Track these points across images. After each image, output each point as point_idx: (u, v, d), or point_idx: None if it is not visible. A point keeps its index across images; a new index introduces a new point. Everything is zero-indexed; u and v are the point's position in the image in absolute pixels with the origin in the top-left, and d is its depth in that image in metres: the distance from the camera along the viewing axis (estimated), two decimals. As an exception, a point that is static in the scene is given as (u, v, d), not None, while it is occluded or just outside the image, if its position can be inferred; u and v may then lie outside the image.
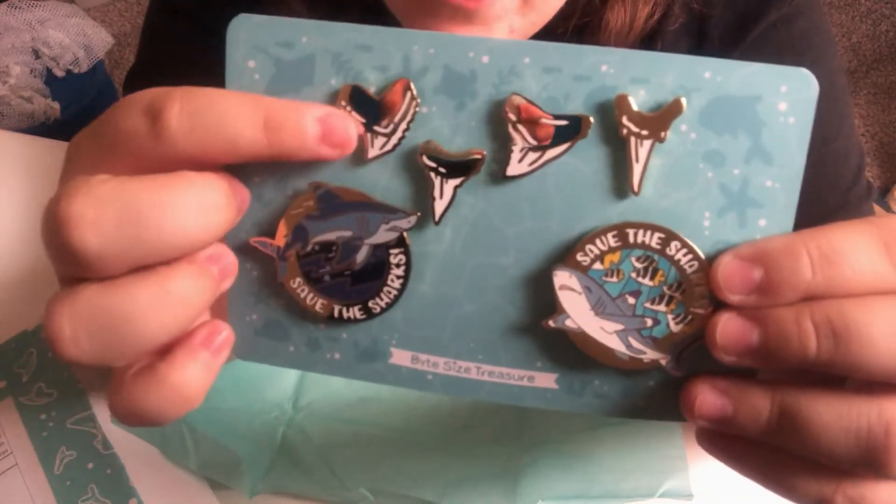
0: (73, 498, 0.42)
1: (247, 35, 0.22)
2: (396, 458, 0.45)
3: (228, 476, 0.43)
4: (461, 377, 0.24)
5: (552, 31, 0.44)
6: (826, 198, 0.45)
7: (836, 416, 0.19)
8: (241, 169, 0.23)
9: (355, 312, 0.24)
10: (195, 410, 0.50)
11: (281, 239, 0.24)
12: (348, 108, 0.22)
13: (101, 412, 0.46)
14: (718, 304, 0.21)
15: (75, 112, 1.29)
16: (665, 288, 0.22)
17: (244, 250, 0.24)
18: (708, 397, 0.21)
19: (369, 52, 0.22)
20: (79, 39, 1.33)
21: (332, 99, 0.22)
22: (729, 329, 0.20)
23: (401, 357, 0.25)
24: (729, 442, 0.22)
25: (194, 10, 0.51)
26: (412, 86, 0.22)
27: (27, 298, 0.54)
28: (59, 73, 1.30)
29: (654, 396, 0.23)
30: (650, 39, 0.43)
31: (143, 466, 0.44)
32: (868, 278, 0.19)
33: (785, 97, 0.21)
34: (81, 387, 0.47)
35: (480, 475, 0.45)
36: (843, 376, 0.20)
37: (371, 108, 0.22)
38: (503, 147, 0.22)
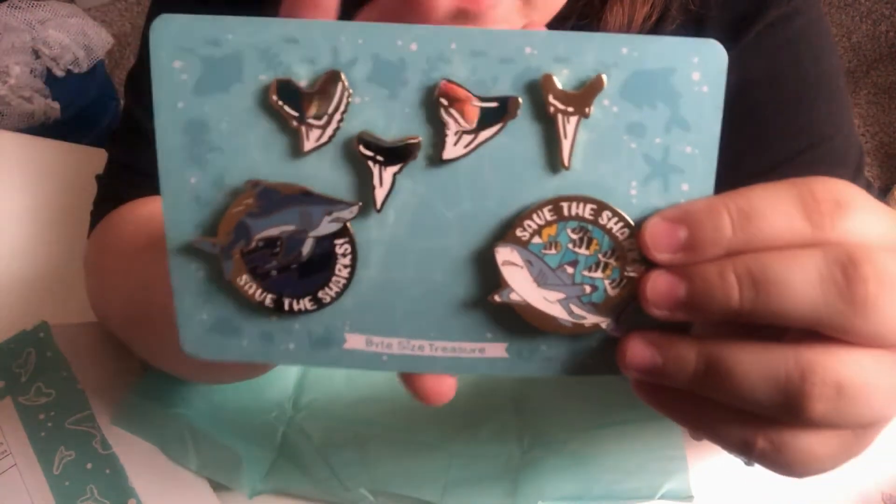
0: (72, 498, 0.42)
1: (171, 35, 0.22)
2: (396, 458, 0.45)
3: (228, 476, 0.43)
4: (415, 355, 0.25)
5: None
6: None
7: (756, 363, 0.20)
8: (178, 169, 0.23)
9: (306, 304, 0.24)
10: (195, 410, 0.50)
11: (224, 237, 0.24)
12: (280, 103, 0.22)
13: (101, 412, 0.46)
14: (651, 266, 0.22)
15: (75, 112, 1.29)
16: (600, 255, 0.23)
17: (188, 252, 0.24)
18: (638, 350, 0.22)
19: (297, 44, 0.22)
20: (79, 39, 1.32)
21: (264, 94, 0.23)
22: (658, 284, 0.21)
23: (355, 341, 0.25)
24: (661, 391, 0.23)
25: (194, 11, 0.51)
26: (343, 76, 0.22)
27: (27, 298, 0.54)
28: (59, 73, 1.30)
29: (597, 354, 0.24)
30: None
31: (142, 466, 0.44)
32: (785, 233, 0.20)
33: (698, 67, 0.22)
34: (80, 387, 0.47)
35: (480, 475, 0.45)
36: (772, 328, 0.21)
37: (303, 100, 0.22)
38: (438, 132, 0.23)
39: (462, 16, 0.31)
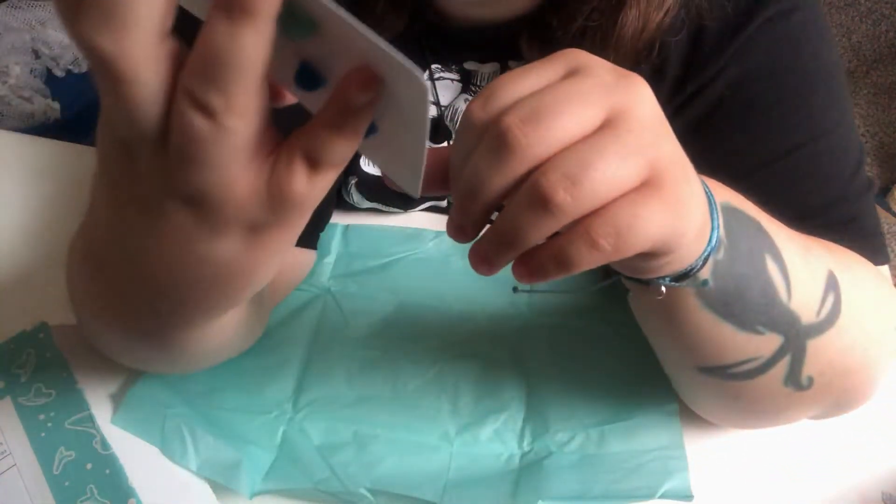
0: (72, 498, 0.42)
1: None
2: (396, 458, 0.45)
3: (228, 476, 0.43)
4: None
5: (553, 35, 0.44)
6: (824, 190, 0.45)
7: (497, 174, 0.25)
8: None
9: None
10: (195, 410, 0.50)
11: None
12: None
13: (100, 412, 0.46)
14: None
15: (75, 112, 1.29)
16: None
17: None
18: (523, 272, 0.27)
19: None
20: (79, 40, 1.32)
21: None
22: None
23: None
24: (529, 263, 0.27)
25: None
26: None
27: (26, 298, 0.54)
28: (59, 73, 1.30)
29: None
30: (649, 44, 0.43)
31: (142, 466, 0.44)
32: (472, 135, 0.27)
33: None
34: (80, 387, 0.47)
35: (480, 475, 0.45)
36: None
37: None
38: None
39: None
